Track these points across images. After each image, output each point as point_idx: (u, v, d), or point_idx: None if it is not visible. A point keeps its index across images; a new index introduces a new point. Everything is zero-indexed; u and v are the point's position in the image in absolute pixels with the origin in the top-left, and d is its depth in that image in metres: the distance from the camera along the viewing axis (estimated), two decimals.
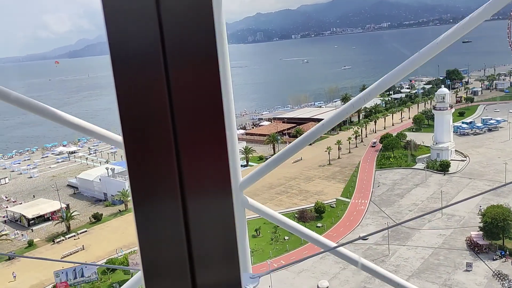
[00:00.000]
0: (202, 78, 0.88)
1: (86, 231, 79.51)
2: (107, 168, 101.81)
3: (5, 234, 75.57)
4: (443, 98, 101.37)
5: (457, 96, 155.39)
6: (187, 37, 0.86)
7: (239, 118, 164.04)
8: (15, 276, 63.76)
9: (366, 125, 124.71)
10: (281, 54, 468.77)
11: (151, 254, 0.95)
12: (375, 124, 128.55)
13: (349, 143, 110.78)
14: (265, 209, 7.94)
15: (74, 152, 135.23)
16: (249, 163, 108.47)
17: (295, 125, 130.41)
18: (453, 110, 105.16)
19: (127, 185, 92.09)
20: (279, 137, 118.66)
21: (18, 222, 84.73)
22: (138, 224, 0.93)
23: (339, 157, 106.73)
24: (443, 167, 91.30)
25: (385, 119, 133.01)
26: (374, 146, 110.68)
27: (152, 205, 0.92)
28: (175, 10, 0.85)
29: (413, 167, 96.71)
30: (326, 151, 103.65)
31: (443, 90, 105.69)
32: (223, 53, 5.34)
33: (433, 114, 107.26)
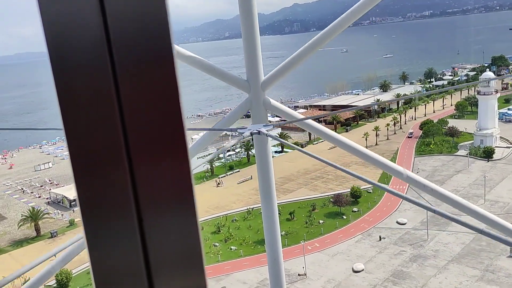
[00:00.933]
0: (156, 80, 0.80)
1: None
2: None
3: (48, 214, 78.43)
4: (488, 82, 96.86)
5: (503, 82, 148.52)
6: (137, 34, 0.78)
7: None
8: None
9: (405, 112, 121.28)
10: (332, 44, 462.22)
11: (105, 274, 0.87)
12: (415, 111, 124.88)
13: (387, 129, 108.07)
14: (287, 110, 7.44)
15: None
16: (284, 149, 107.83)
17: (331, 111, 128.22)
18: (498, 95, 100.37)
19: None
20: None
21: (60, 203, 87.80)
22: (89, 241, 0.84)
23: (376, 144, 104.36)
24: (487, 154, 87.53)
25: (425, 106, 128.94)
26: (411, 137, 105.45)
27: (104, 222, 0.84)
28: (120, 5, 0.77)
29: (454, 154, 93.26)
30: (363, 137, 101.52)
31: (488, 73, 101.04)
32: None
33: (477, 100, 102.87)
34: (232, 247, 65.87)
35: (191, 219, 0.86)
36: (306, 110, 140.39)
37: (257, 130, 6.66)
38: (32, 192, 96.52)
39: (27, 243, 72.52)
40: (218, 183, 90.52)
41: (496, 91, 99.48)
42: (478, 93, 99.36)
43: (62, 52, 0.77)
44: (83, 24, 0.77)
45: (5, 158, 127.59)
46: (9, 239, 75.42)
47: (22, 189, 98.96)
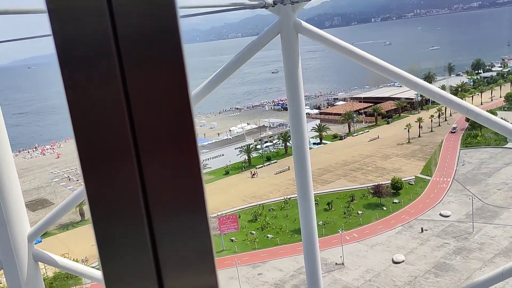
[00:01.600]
0: (165, 76, 0.79)
1: None
2: None
3: None
4: None
5: None
6: (145, 30, 0.77)
7: (314, 99, 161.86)
8: None
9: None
10: (360, 38, 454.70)
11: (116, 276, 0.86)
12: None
13: (431, 121, 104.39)
14: (320, 33, 6.82)
15: None
16: (323, 141, 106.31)
17: (372, 104, 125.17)
18: None
19: (202, 157, 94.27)
20: (354, 115, 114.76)
21: None
22: (99, 239, 0.84)
23: (419, 136, 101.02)
24: None
25: (472, 98, 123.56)
26: (454, 132, 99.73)
27: (113, 221, 0.83)
28: (128, 2, 0.76)
29: (503, 146, 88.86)
30: (405, 128, 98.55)
31: None
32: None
33: None
34: (268, 235, 65.55)
35: (202, 218, 0.84)
36: (345, 102, 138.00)
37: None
38: (77, 180, 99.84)
39: (72, 226, 75.13)
40: (253, 174, 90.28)
41: None
42: None
43: (70, 50, 0.77)
44: (91, 22, 0.76)
45: (53, 148, 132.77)
46: (56, 223, 78.35)
47: (68, 177, 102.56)
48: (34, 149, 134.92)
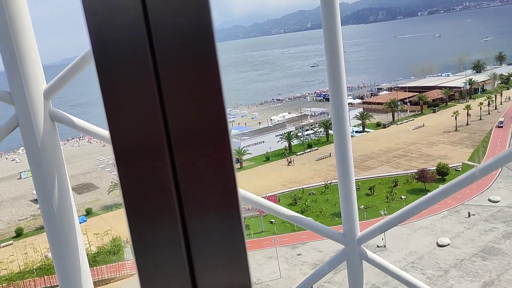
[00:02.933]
0: (198, 74, 0.79)
1: None
2: None
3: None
4: None
5: None
6: (178, 28, 0.77)
7: (356, 90, 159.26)
8: None
9: (502, 92, 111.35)
10: (407, 31, 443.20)
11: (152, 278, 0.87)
12: None
13: (480, 109, 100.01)
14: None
15: None
16: (366, 129, 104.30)
17: (417, 93, 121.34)
18: None
19: (242, 144, 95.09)
20: (399, 104, 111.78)
21: None
22: (133, 237, 0.86)
23: (467, 124, 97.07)
24: None
25: None
26: (501, 127, 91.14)
27: (147, 218, 0.84)
28: (162, 4, 0.77)
29: None
30: (452, 116, 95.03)
31: None
32: None
33: None
34: (308, 218, 64.94)
35: (235, 216, 0.84)
36: (389, 92, 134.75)
37: None
38: None
39: (116, 208, 77.74)
40: (289, 162, 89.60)
41: None
42: None
43: (105, 48, 0.78)
44: (125, 21, 0.77)
45: None
46: (100, 204, 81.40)
47: (114, 163, 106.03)
48: (81, 138, 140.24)
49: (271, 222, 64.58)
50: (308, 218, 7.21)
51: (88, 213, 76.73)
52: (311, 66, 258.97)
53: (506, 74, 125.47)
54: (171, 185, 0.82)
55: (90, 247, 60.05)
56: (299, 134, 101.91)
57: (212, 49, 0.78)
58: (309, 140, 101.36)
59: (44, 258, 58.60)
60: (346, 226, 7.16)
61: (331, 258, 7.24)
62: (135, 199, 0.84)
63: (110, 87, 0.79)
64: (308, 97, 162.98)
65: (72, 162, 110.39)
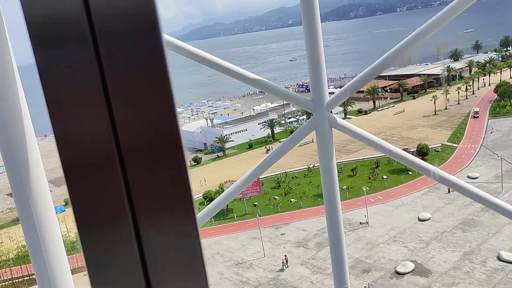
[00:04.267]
0: (147, 77, 0.76)
1: None
2: (206, 119, 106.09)
3: None
4: None
5: None
6: (124, 30, 0.75)
7: (338, 81, 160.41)
8: None
9: (478, 78, 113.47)
10: (387, 26, 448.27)
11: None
12: (489, 77, 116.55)
13: (458, 93, 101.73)
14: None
15: (179, 114, 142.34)
16: (347, 116, 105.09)
17: (397, 81, 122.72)
18: None
19: (225, 132, 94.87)
20: (379, 90, 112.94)
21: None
22: (86, 249, 0.82)
23: (446, 108, 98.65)
24: None
25: (501, 72, 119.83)
26: (477, 117, 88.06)
27: (100, 229, 0.81)
28: (108, 10, 0.74)
29: None
30: (431, 100, 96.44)
31: None
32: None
33: None
34: (292, 199, 65.32)
35: (191, 225, 0.82)
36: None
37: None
38: None
39: None
40: (268, 150, 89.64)
41: None
42: None
43: (50, 60, 0.75)
44: (68, 22, 0.74)
45: None
46: None
47: (63, 178, 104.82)
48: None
49: (255, 205, 64.60)
50: (279, 86, 7.18)
51: (67, 203, 75.58)
52: (290, 61, 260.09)
53: (482, 61, 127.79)
54: (123, 197, 0.79)
55: (68, 234, 59.22)
56: (282, 122, 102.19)
57: (160, 56, 0.75)
58: (292, 127, 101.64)
59: (20, 246, 57.65)
60: (315, 93, 7.18)
61: (301, 126, 7.24)
62: (87, 214, 0.80)
63: (56, 98, 0.76)
64: (290, 88, 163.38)
65: (50, 156, 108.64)
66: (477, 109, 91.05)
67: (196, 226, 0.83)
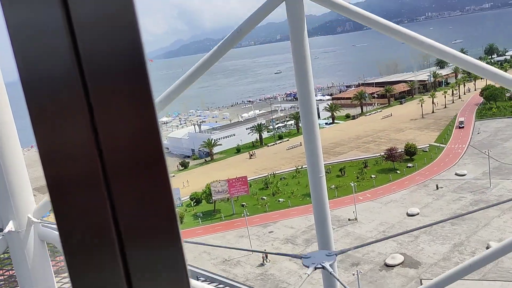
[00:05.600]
0: (130, 95, 0.76)
1: (173, 175, 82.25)
2: (194, 125, 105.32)
3: None
4: None
5: None
6: (107, 49, 0.75)
7: (326, 90, 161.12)
8: None
9: (464, 84, 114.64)
10: (375, 39, 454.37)
11: None
12: (475, 83, 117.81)
13: (445, 97, 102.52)
14: None
15: (166, 123, 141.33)
16: (335, 121, 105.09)
17: (384, 88, 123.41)
18: None
19: (213, 137, 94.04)
20: (367, 95, 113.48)
21: None
22: (71, 271, 0.81)
23: (433, 112, 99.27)
24: None
25: (486, 79, 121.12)
26: (462, 127, 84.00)
27: (86, 250, 0.80)
28: (89, 23, 0.74)
29: None
30: (418, 103, 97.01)
31: None
32: None
33: None
34: (280, 199, 64.52)
35: (175, 242, 0.81)
36: (357, 88, 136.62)
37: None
38: None
39: None
40: (251, 155, 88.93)
41: None
42: None
43: (33, 74, 0.75)
44: (53, 46, 0.74)
45: None
46: None
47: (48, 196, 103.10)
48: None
49: (242, 205, 63.63)
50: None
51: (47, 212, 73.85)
52: (275, 73, 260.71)
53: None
54: (108, 215, 0.79)
55: None
56: (270, 127, 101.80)
57: (142, 66, 0.75)
58: (280, 132, 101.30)
59: None
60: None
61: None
62: (71, 229, 0.80)
63: (39, 113, 0.76)
64: (278, 97, 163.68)
65: (36, 166, 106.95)
66: (462, 119, 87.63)
67: (181, 244, 0.82)
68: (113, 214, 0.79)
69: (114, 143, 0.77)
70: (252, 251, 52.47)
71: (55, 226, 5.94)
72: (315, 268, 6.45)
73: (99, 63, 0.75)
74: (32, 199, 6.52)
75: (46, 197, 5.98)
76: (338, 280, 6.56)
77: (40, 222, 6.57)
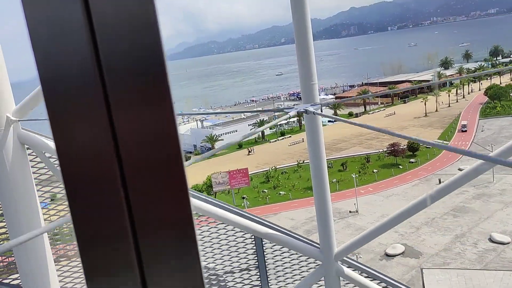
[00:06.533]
0: (149, 98, 0.77)
1: None
2: (197, 120, 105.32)
3: None
4: None
5: None
6: (128, 52, 0.75)
7: (330, 90, 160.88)
8: None
9: (468, 84, 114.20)
10: (381, 43, 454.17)
11: None
12: (479, 84, 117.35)
13: (449, 96, 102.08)
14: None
15: None
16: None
17: (387, 87, 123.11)
18: None
19: (214, 132, 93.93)
20: (370, 93, 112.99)
21: None
22: (86, 269, 0.82)
23: (437, 110, 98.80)
24: None
25: (491, 79, 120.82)
26: (465, 131, 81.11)
27: (101, 250, 0.81)
28: (109, 22, 0.74)
29: None
30: (422, 101, 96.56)
31: None
32: None
33: None
34: (281, 192, 64.15)
35: (190, 241, 0.82)
36: (361, 87, 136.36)
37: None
38: None
39: None
40: (249, 151, 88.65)
41: None
42: None
43: (52, 73, 0.75)
44: (72, 45, 0.74)
45: None
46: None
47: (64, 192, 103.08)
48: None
49: (243, 198, 63.32)
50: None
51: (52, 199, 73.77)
52: (276, 75, 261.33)
53: (472, 68, 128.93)
54: (124, 213, 0.79)
55: None
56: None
57: (162, 69, 0.76)
58: (282, 129, 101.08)
59: None
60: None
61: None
62: (87, 226, 0.80)
63: (58, 114, 0.76)
64: (281, 97, 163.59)
65: None
66: (464, 122, 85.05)
67: (196, 244, 0.82)
68: (129, 211, 0.79)
69: (132, 141, 0.78)
70: None
71: (35, 131, 5.69)
72: None
73: (119, 63, 0.75)
74: (11, 98, 6.14)
75: (27, 97, 5.64)
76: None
77: (19, 120, 6.15)
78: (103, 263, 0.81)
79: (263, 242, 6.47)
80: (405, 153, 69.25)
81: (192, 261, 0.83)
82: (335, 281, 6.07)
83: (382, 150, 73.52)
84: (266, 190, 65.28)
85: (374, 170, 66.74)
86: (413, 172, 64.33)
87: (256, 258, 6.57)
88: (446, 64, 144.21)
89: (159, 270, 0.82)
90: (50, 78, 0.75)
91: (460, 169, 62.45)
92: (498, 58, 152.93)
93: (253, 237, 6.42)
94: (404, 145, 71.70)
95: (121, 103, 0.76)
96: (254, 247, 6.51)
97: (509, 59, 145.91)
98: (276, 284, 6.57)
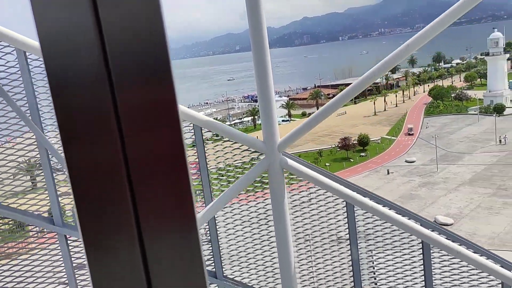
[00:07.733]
0: (154, 95, 0.78)
1: None
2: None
3: None
4: (497, 43, 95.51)
5: None
6: (134, 51, 0.77)
7: (284, 93, 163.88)
8: None
9: (413, 86, 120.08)
10: (334, 52, 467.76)
11: None
12: (424, 86, 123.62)
13: (396, 97, 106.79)
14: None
15: None
16: (292, 118, 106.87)
17: (338, 90, 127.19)
18: (507, 55, 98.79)
19: None
20: (322, 94, 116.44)
21: None
22: (90, 259, 0.83)
23: (385, 110, 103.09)
24: (498, 110, 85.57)
25: (434, 82, 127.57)
26: (412, 134, 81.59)
27: (105, 243, 0.83)
28: (117, 22, 0.76)
29: (465, 113, 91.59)
30: (371, 101, 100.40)
31: (497, 34, 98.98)
32: None
33: (486, 73, 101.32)
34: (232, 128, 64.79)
35: (194, 244, 0.84)
36: (313, 89, 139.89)
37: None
38: None
39: None
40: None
41: (506, 52, 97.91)
42: (487, 54, 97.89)
43: (61, 73, 0.77)
44: (80, 44, 0.76)
45: None
46: None
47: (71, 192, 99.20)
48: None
49: None
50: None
51: None
52: (228, 80, 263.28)
53: (417, 72, 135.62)
54: (130, 214, 0.81)
55: None
56: (227, 122, 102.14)
57: (167, 67, 0.78)
58: (237, 128, 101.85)
59: None
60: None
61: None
62: (92, 222, 0.82)
63: (66, 115, 0.78)
64: (236, 99, 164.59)
65: None
66: (411, 125, 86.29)
67: (199, 246, 0.84)
68: (135, 213, 0.80)
69: (138, 140, 0.78)
70: None
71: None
72: None
73: (126, 64, 0.76)
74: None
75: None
76: None
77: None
78: (108, 259, 0.83)
79: None
80: (355, 148, 71.80)
81: (195, 261, 0.84)
82: (279, 172, 6.31)
83: (334, 145, 75.81)
84: None
85: (327, 164, 68.68)
86: (363, 165, 66.83)
87: None
88: (393, 69, 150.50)
89: (163, 263, 0.83)
90: (59, 80, 0.76)
91: (407, 161, 65.74)
92: (440, 63, 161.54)
93: None
94: (355, 140, 74.38)
95: (128, 104, 0.77)
96: None
97: (450, 64, 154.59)
98: (219, 183, 6.61)
